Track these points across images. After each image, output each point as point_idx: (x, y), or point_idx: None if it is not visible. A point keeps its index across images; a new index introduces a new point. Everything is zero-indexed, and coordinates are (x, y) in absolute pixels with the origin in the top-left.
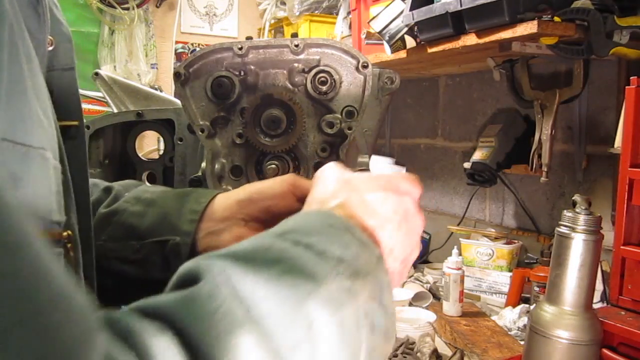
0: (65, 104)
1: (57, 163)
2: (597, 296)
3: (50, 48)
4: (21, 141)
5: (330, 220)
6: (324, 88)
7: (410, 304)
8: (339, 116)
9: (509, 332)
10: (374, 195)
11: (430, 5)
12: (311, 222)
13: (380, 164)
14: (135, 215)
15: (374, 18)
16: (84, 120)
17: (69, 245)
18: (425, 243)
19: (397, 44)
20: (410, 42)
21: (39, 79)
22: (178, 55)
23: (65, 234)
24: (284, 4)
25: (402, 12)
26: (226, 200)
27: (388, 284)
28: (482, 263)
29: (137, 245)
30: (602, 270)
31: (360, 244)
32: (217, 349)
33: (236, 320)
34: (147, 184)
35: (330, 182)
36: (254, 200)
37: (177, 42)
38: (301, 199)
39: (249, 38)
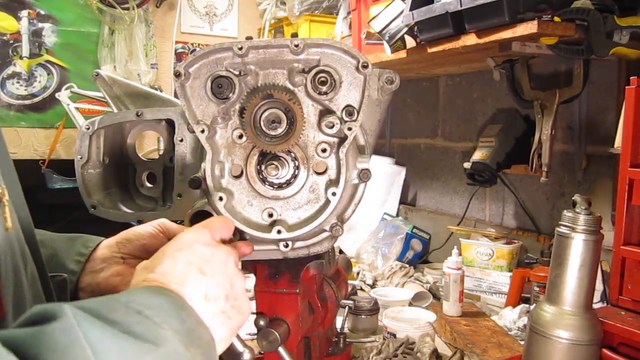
0: None
1: None
2: (597, 296)
3: None
4: None
5: (169, 298)
6: (324, 88)
7: (410, 304)
8: (339, 116)
9: (509, 332)
10: (164, 264)
11: (430, 5)
12: (154, 298)
13: (380, 164)
14: None
15: (374, 18)
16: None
17: (5, 201)
18: (425, 243)
19: (397, 44)
20: (410, 42)
21: None
22: (178, 55)
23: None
24: (284, 4)
25: (402, 12)
26: (109, 242)
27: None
28: (482, 263)
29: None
30: (602, 270)
31: (197, 323)
32: None
33: (85, 358)
34: (148, 183)
35: (140, 271)
36: (130, 240)
37: (177, 42)
38: (170, 239)
39: (249, 38)
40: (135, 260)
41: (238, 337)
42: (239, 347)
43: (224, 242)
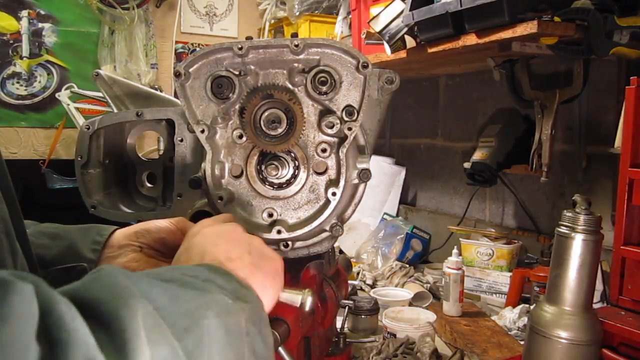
0: None
1: None
2: (597, 296)
3: None
4: None
5: (211, 268)
6: (324, 88)
7: (410, 304)
8: (339, 116)
9: (509, 332)
10: (181, 258)
11: (430, 5)
12: (193, 267)
13: (380, 164)
14: (41, 247)
15: (374, 18)
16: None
17: None
18: (425, 243)
19: (397, 44)
20: (410, 42)
21: None
22: (178, 55)
23: None
24: (284, 4)
25: (402, 12)
26: (126, 231)
27: (267, 321)
28: (482, 263)
29: (43, 273)
30: (602, 270)
31: (239, 285)
32: (117, 306)
33: (134, 294)
34: (148, 183)
35: (195, 240)
36: (150, 231)
37: (177, 42)
38: None
39: (249, 38)
40: (152, 251)
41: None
42: (294, 297)
43: None
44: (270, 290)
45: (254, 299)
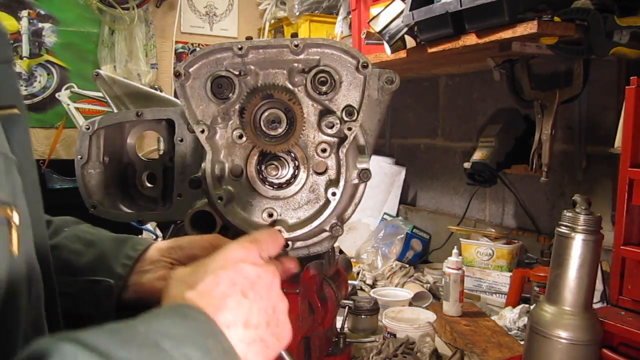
0: (3, 94)
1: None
2: (597, 296)
3: None
4: None
5: (197, 324)
6: (324, 88)
7: (410, 304)
8: (339, 116)
9: (509, 332)
10: (205, 282)
11: (430, 5)
12: (175, 326)
13: (380, 164)
14: (74, 253)
15: (374, 18)
16: (25, 108)
17: (13, 223)
18: (425, 243)
19: (397, 44)
20: (410, 42)
21: None
22: (178, 55)
23: (9, 211)
24: (284, 4)
25: (402, 12)
26: (161, 245)
27: None
28: (482, 263)
29: (71, 280)
30: (602, 270)
31: (224, 351)
32: None
33: None
34: (148, 183)
35: (176, 284)
36: (183, 248)
37: (177, 42)
38: None
39: (249, 38)
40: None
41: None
42: None
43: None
44: None
45: None
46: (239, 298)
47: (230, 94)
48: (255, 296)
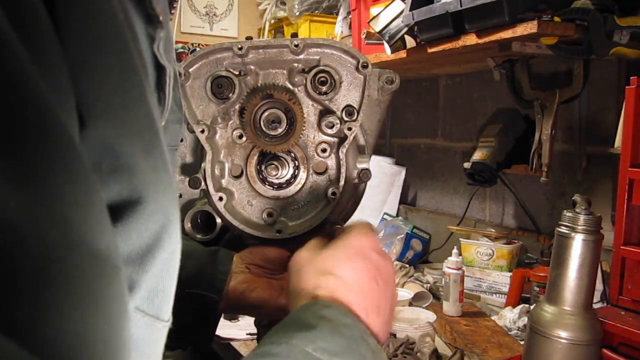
0: None
1: None
2: (597, 296)
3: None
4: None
5: (352, 332)
6: (324, 88)
7: (410, 304)
8: (339, 116)
9: (509, 332)
10: (344, 269)
11: (430, 5)
12: (332, 336)
13: (380, 164)
14: None
15: (374, 18)
16: None
17: None
18: (425, 243)
19: (397, 44)
20: (410, 42)
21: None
22: (178, 55)
23: None
24: (284, 4)
25: (402, 12)
26: (240, 254)
27: None
28: (482, 263)
29: (178, 292)
30: (602, 270)
31: (372, 352)
32: None
33: None
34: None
35: (308, 271)
36: (252, 251)
37: (177, 42)
38: (291, 251)
39: (249, 38)
40: (259, 270)
41: None
42: None
43: None
44: None
45: None
46: (373, 286)
47: (230, 94)
48: (384, 283)
